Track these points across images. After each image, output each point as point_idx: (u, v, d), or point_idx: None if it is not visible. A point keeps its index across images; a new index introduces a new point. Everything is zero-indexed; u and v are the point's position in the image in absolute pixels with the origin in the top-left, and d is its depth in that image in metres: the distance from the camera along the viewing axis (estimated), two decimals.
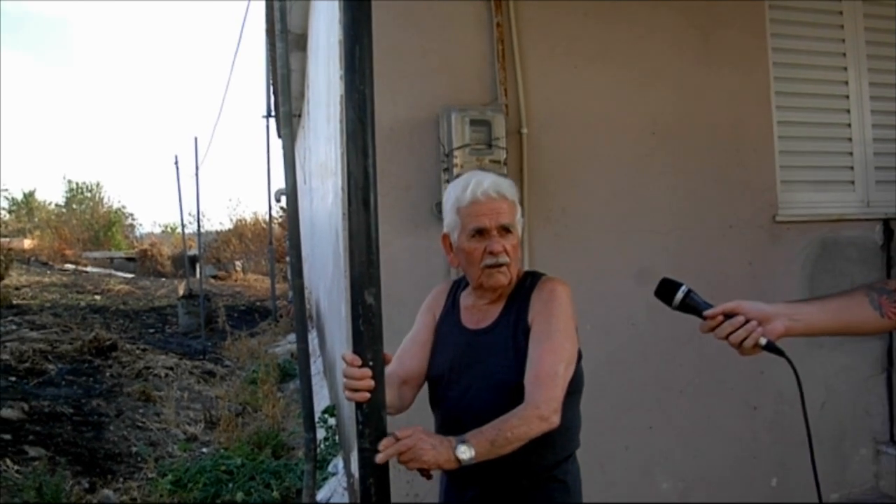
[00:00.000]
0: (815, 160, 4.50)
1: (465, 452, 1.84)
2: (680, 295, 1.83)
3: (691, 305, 1.81)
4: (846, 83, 4.56)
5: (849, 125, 4.57)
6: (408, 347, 2.30)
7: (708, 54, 4.14)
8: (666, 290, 1.86)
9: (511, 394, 2.05)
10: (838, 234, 4.39)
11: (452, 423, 2.14)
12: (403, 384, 2.20)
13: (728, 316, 1.75)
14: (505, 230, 2.17)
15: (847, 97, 4.56)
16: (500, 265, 2.16)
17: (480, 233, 2.16)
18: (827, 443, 4.31)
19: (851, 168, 4.58)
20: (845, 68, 4.56)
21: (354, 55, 1.78)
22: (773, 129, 4.30)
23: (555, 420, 1.98)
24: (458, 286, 2.40)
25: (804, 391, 4.13)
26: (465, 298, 2.33)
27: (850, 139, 4.57)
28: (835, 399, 4.34)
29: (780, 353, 1.70)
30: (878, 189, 4.60)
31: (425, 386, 2.33)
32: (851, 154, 4.57)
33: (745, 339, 1.70)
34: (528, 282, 2.26)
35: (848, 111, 4.57)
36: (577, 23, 3.87)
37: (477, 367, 2.18)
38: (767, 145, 4.27)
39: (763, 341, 1.70)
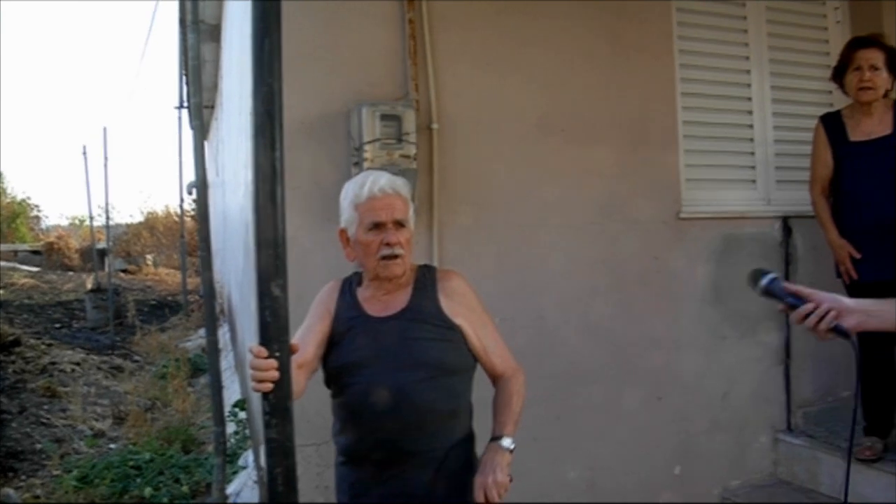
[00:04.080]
0: (719, 159, 4.64)
1: (511, 443, 2.28)
2: (764, 282, 1.98)
3: (773, 292, 1.97)
4: (749, 85, 4.73)
5: (751, 126, 4.74)
6: (302, 336, 2.35)
7: (616, 54, 4.23)
8: (755, 278, 2.01)
9: (427, 370, 2.27)
10: (740, 231, 4.55)
11: (366, 405, 2.27)
12: (298, 368, 2.24)
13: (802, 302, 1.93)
14: (399, 225, 2.33)
15: (750, 98, 4.73)
16: (396, 256, 2.31)
17: (377, 226, 2.31)
18: (729, 431, 4.48)
19: (753, 167, 4.76)
20: (749, 71, 4.73)
21: (263, 49, 1.78)
22: (677, 128, 4.43)
23: (525, 377, 2.45)
24: (349, 282, 2.49)
25: (708, 382, 4.30)
26: (364, 291, 2.43)
27: (752, 139, 4.74)
28: (737, 389, 4.50)
29: (846, 336, 1.88)
30: (778, 188, 4.79)
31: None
32: (753, 154, 4.75)
33: (818, 323, 1.88)
34: (428, 273, 2.46)
35: (751, 112, 4.74)
36: (489, 20, 3.90)
37: (391, 350, 2.30)
38: (672, 143, 4.39)
39: (833, 324, 1.87)
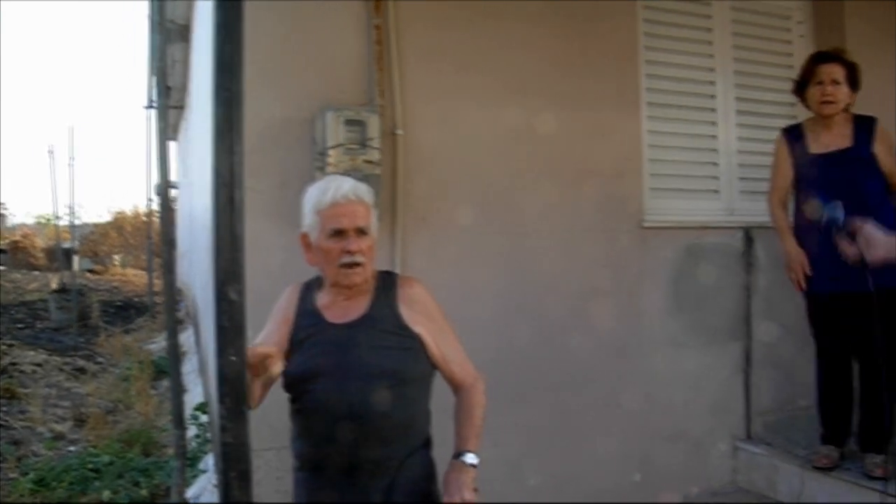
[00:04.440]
0: (683, 169, 4.70)
1: (474, 458, 2.26)
2: (825, 209, 2.45)
3: (833, 219, 2.42)
4: (714, 96, 4.80)
5: (715, 136, 4.81)
6: (264, 342, 2.33)
7: (583, 63, 4.27)
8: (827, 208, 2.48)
9: (385, 379, 2.25)
10: (702, 241, 4.60)
11: (323, 412, 2.27)
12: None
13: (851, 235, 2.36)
14: (361, 232, 2.31)
15: (714, 110, 4.80)
16: (357, 264, 2.30)
17: (339, 233, 2.29)
18: (689, 439, 4.53)
19: (717, 178, 4.82)
20: (714, 82, 4.80)
21: (225, 53, 1.78)
22: (641, 138, 4.47)
23: (485, 385, 2.45)
24: (309, 287, 2.47)
25: (669, 390, 4.33)
26: (323, 297, 2.42)
27: (716, 150, 4.81)
28: (697, 397, 4.55)
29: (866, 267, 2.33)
30: (741, 198, 4.85)
31: None
32: (717, 164, 4.81)
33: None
34: (388, 279, 2.44)
35: (715, 123, 4.80)
36: (456, 27, 3.93)
37: (349, 358, 2.28)
38: (636, 153, 4.44)
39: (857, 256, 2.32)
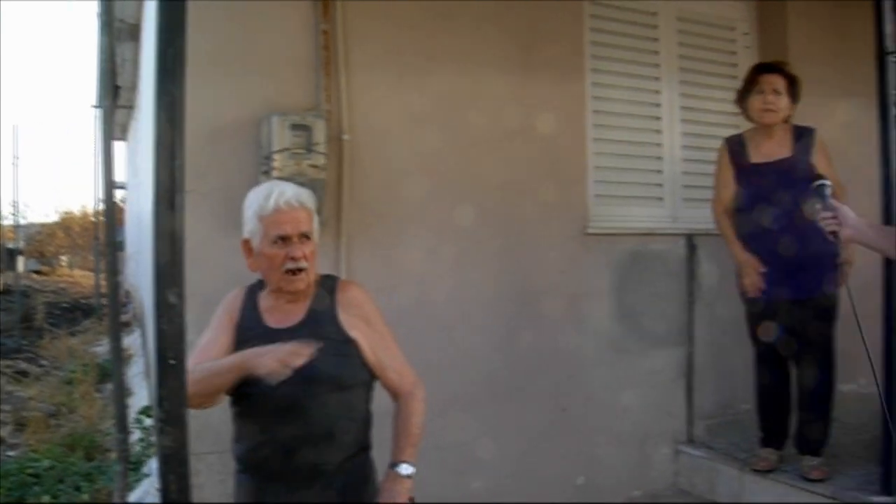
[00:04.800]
0: (628, 176, 4.77)
1: (408, 468, 2.28)
2: (817, 183, 2.74)
3: (820, 194, 2.71)
4: (659, 105, 4.88)
5: (660, 144, 4.89)
6: (209, 347, 2.34)
7: (529, 70, 4.31)
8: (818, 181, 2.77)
9: (321, 385, 2.26)
10: (646, 247, 4.68)
11: (262, 415, 2.29)
12: None
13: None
14: (305, 237, 2.32)
15: (659, 118, 4.89)
16: (301, 270, 2.30)
17: (283, 239, 2.29)
18: (631, 442, 4.59)
19: (661, 185, 4.90)
20: (659, 91, 4.89)
21: (167, 57, 1.79)
22: (586, 145, 4.54)
23: (424, 392, 2.45)
24: (252, 291, 2.47)
25: (612, 395, 4.38)
26: (265, 300, 2.42)
27: (661, 158, 4.89)
28: (640, 402, 4.62)
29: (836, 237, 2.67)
30: (685, 206, 4.93)
31: None
32: (662, 172, 4.89)
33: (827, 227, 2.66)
34: (329, 284, 2.45)
35: (660, 131, 4.89)
36: (403, 34, 3.96)
37: None
38: (581, 160, 4.50)
39: (833, 229, 2.64)
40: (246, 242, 2.37)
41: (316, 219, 2.39)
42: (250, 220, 2.35)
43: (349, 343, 2.35)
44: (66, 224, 25.26)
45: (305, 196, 2.37)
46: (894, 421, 3.44)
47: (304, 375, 2.24)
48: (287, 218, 2.29)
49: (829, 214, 2.65)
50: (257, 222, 2.32)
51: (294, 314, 2.37)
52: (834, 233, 2.65)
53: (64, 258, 23.64)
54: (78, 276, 21.03)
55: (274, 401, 2.24)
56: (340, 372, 2.31)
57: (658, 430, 4.70)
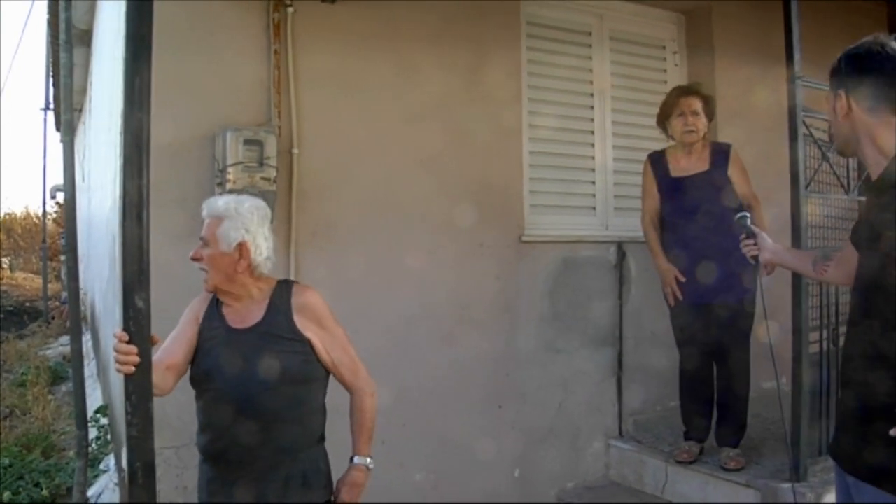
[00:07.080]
0: (562, 187, 5.02)
1: (362, 460, 2.64)
2: (739, 216, 3.09)
3: (742, 223, 3.05)
4: (592, 119, 5.16)
5: (593, 157, 5.16)
6: (173, 341, 2.58)
7: (469, 88, 4.50)
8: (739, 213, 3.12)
9: (274, 380, 2.47)
10: (578, 254, 4.90)
11: (221, 408, 2.49)
12: (167, 370, 2.48)
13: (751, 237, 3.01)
14: (202, 241, 2.60)
15: (593, 132, 5.16)
16: (203, 269, 2.59)
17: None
18: (564, 437, 4.81)
19: (594, 195, 5.16)
20: (592, 107, 5.16)
21: (134, 87, 2.04)
22: (522, 158, 4.77)
23: (375, 391, 2.70)
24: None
25: (546, 393, 4.61)
26: (226, 303, 2.66)
27: (593, 169, 5.16)
28: (572, 399, 4.84)
29: (756, 261, 3.01)
30: (616, 215, 5.21)
31: None
32: (594, 182, 5.16)
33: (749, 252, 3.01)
34: (285, 288, 2.67)
35: (593, 144, 5.16)
36: (351, 55, 4.12)
37: (244, 360, 2.50)
38: (518, 173, 4.72)
39: (754, 253, 2.99)
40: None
41: (228, 225, 2.57)
42: None
43: (303, 342, 2.57)
44: (8, 225, 24.35)
45: (220, 204, 2.62)
46: (794, 415, 3.78)
47: (259, 372, 2.48)
48: (204, 224, 2.61)
49: (750, 242, 2.99)
50: None
51: (252, 316, 2.58)
52: (755, 257, 2.98)
53: (5, 260, 22.80)
54: (20, 279, 20.26)
55: (233, 394, 2.47)
56: (293, 369, 2.52)
57: (590, 425, 4.91)
